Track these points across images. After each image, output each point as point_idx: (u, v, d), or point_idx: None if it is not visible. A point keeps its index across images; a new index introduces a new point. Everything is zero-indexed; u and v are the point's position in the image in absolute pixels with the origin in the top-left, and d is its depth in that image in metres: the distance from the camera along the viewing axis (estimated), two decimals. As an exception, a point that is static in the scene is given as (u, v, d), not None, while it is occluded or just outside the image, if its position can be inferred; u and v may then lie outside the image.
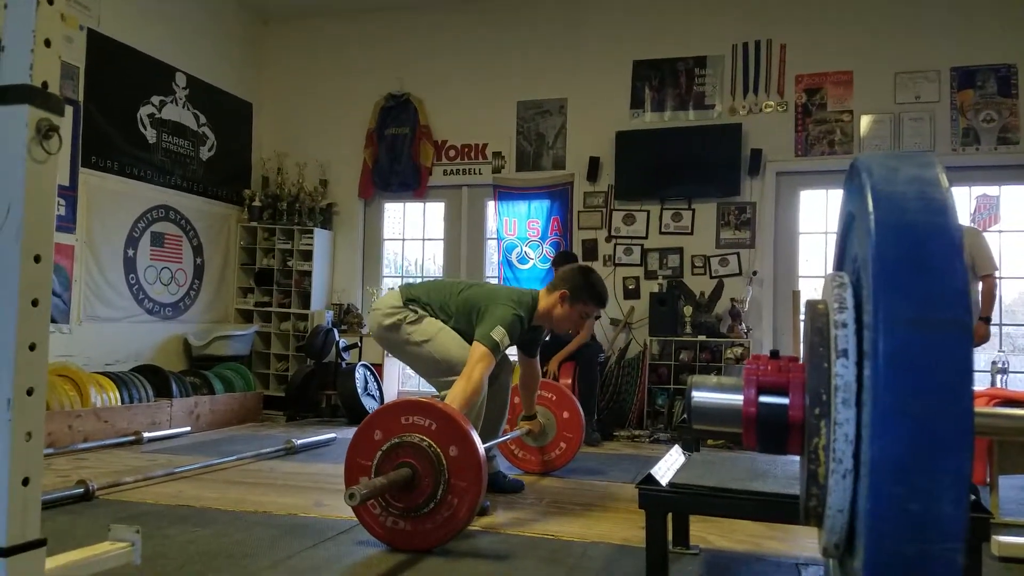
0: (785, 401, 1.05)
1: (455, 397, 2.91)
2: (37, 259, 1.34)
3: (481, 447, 2.54)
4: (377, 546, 2.64)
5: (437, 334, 3.32)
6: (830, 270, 1.22)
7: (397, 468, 2.50)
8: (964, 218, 5.75)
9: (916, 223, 0.85)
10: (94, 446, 4.57)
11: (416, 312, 3.37)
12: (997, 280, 4.84)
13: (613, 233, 6.47)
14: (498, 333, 3.11)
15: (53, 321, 5.23)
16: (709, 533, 2.80)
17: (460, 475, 2.48)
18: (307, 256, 6.95)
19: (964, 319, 0.79)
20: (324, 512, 3.11)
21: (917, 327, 0.80)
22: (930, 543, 0.77)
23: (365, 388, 6.29)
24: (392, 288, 3.61)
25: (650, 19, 6.52)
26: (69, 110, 5.38)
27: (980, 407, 0.97)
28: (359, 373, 6.24)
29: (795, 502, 1.07)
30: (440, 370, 3.31)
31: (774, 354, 1.10)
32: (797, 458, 1.13)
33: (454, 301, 3.38)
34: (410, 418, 2.56)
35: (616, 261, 6.45)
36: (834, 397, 0.90)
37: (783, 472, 2.25)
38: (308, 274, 6.93)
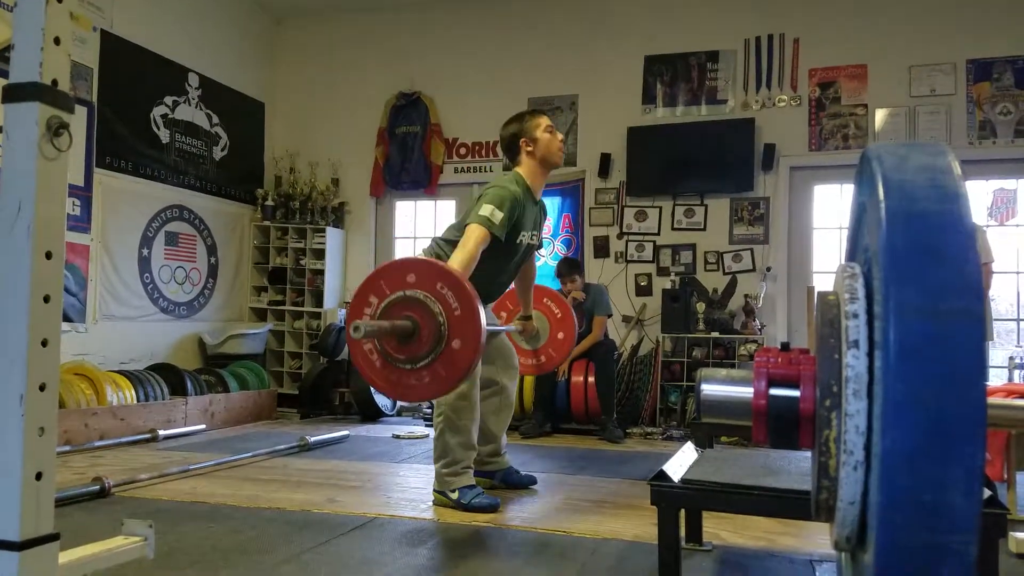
0: (796, 393, 1.04)
1: (453, 264, 2.89)
2: (48, 255, 1.34)
3: (480, 306, 2.50)
4: (391, 543, 2.65)
5: None
6: (842, 263, 1.21)
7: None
8: (981, 212, 5.69)
9: (927, 211, 0.84)
10: (110, 444, 4.60)
11: None
12: (993, 270, 4.84)
13: (625, 230, 6.46)
14: (486, 209, 3.09)
15: (69, 320, 5.28)
16: (722, 529, 2.79)
17: (459, 331, 2.46)
18: (320, 255, 6.97)
19: (976, 308, 0.78)
20: (337, 508, 3.12)
21: (928, 316, 0.79)
22: (942, 534, 0.76)
23: (378, 386, 6.30)
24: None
25: (662, 14, 6.49)
26: (83, 111, 5.42)
27: (994, 398, 0.96)
28: (372, 371, 6.25)
29: (808, 498, 1.07)
30: None
31: (784, 346, 1.09)
32: (810, 454, 1.12)
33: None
34: (412, 275, 2.54)
35: (628, 258, 6.43)
36: (845, 388, 0.89)
37: (796, 468, 2.24)
38: (321, 272, 6.95)
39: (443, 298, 2.47)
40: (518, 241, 3.29)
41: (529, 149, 3.34)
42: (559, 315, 4.01)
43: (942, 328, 0.79)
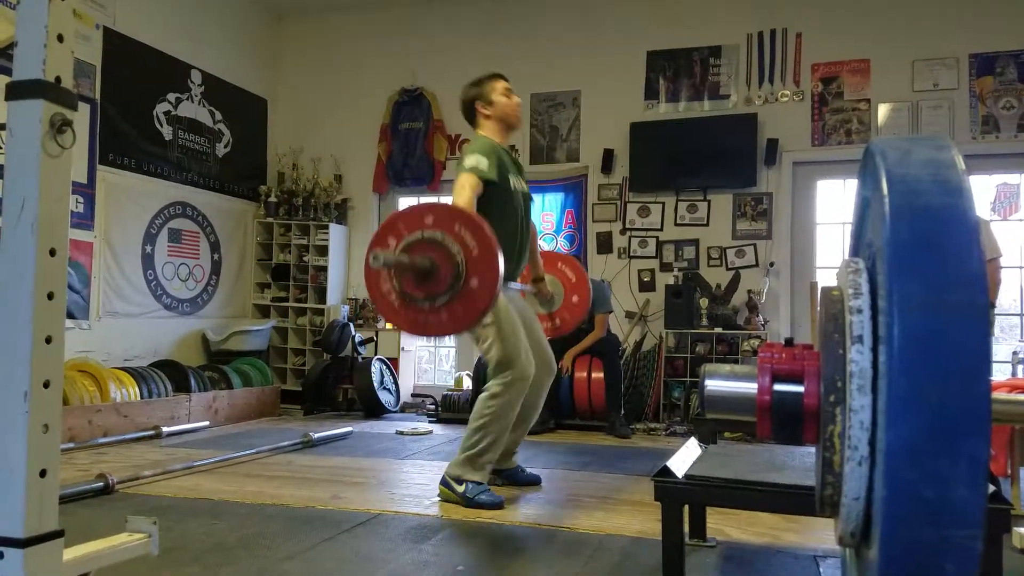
0: (800, 389, 1.04)
1: None
2: (52, 253, 1.34)
3: (499, 248, 2.52)
4: (395, 539, 2.65)
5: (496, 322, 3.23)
6: (845, 258, 1.20)
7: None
8: (984, 207, 5.68)
9: (931, 205, 0.84)
10: (114, 440, 4.61)
11: None
12: (1001, 265, 4.79)
13: (628, 225, 6.45)
14: (470, 160, 3.18)
15: (73, 317, 5.29)
16: (726, 525, 2.79)
17: (477, 270, 2.48)
18: (323, 251, 6.98)
19: (980, 302, 0.78)
20: (341, 504, 3.12)
21: (932, 310, 0.78)
22: (947, 529, 0.76)
23: (381, 382, 6.31)
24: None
25: (664, 9, 6.48)
26: (86, 108, 5.42)
27: (998, 393, 0.95)
28: (375, 367, 6.27)
29: (813, 494, 1.07)
30: (494, 363, 3.24)
31: (788, 342, 1.09)
32: (814, 450, 1.11)
33: None
34: (431, 217, 2.55)
35: (631, 253, 6.43)
36: (849, 384, 0.89)
37: (800, 464, 2.24)
38: (324, 269, 6.96)
39: (460, 238, 2.48)
40: (512, 188, 3.34)
41: (486, 113, 3.45)
42: (573, 280, 4.06)
43: (946, 322, 0.79)
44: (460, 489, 3.15)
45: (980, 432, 0.76)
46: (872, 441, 0.87)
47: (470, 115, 3.51)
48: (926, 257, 0.81)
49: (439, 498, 3.24)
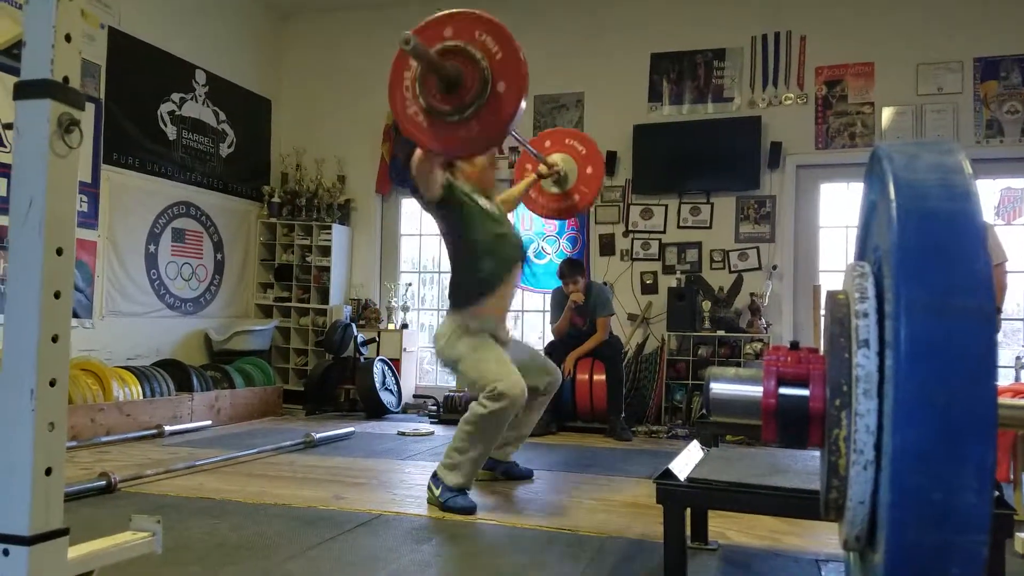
0: (805, 392, 1.04)
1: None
2: (59, 252, 1.35)
3: (521, 48, 2.50)
4: (396, 539, 2.65)
5: (468, 354, 3.26)
6: (851, 262, 1.20)
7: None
8: (988, 211, 5.67)
9: (938, 210, 0.84)
10: (116, 439, 4.61)
11: (462, 327, 3.32)
12: (1007, 270, 4.77)
13: (630, 227, 6.45)
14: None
15: (76, 316, 5.29)
16: (728, 529, 2.79)
17: (503, 73, 2.45)
18: (325, 252, 6.98)
19: (987, 306, 0.78)
20: (343, 505, 3.13)
21: (939, 315, 0.79)
22: (953, 534, 0.76)
23: (383, 382, 6.32)
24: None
25: (668, 11, 6.48)
26: (91, 108, 5.43)
27: (1003, 398, 0.95)
28: (377, 368, 6.27)
29: (815, 497, 1.07)
30: (476, 386, 3.23)
31: (794, 345, 1.09)
32: (817, 454, 1.11)
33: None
34: (449, 29, 2.51)
35: (633, 256, 6.43)
36: (855, 388, 0.89)
37: (802, 467, 2.24)
38: (327, 269, 6.97)
39: (483, 44, 2.45)
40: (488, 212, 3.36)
41: (466, 169, 3.44)
42: (583, 152, 4.06)
43: (953, 327, 0.79)
44: (437, 492, 3.14)
45: (986, 437, 0.76)
46: (878, 445, 0.87)
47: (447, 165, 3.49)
48: (933, 261, 0.81)
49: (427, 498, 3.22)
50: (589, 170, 4.06)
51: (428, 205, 3.24)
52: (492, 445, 3.24)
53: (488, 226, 3.31)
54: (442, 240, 3.49)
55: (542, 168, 3.94)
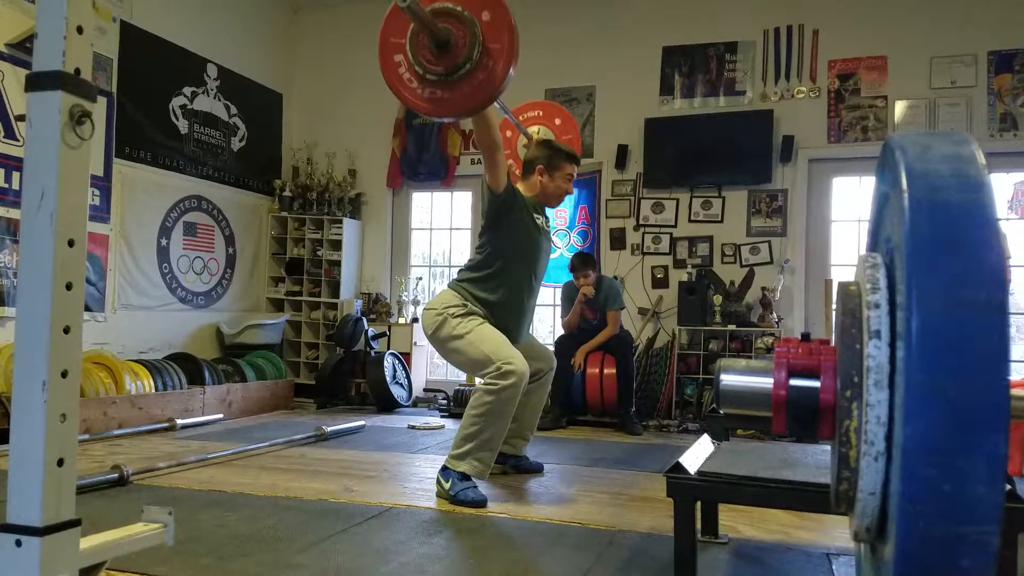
0: (816, 384, 1.03)
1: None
2: (71, 243, 1.35)
3: (508, 8, 2.55)
4: (407, 532, 2.66)
5: (471, 331, 3.24)
6: (863, 253, 1.20)
7: None
8: (1001, 206, 5.63)
9: (951, 201, 0.83)
10: (128, 432, 4.65)
11: (464, 306, 3.32)
12: (1008, 266, 4.72)
13: (641, 221, 6.43)
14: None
15: (89, 309, 5.33)
16: (738, 522, 2.78)
17: (494, 38, 2.48)
18: (336, 246, 7.00)
19: (1000, 298, 0.77)
20: (354, 497, 3.14)
21: (951, 306, 0.78)
22: (963, 525, 0.76)
23: (394, 376, 6.33)
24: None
25: (680, 4, 6.45)
26: (103, 101, 5.45)
27: (1015, 390, 0.95)
28: (388, 361, 6.29)
29: (826, 491, 1.06)
30: (479, 366, 3.22)
31: (805, 337, 1.09)
32: (828, 448, 1.11)
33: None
34: None
35: (644, 250, 6.41)
36: (866, 379, 0.89)
37: (813, 461, 2.23)
38: (338, 263, 6.98)
39: (471, 5, 2.50)
40: (526, 222, 3.40)
41: (541, 180, 3.50)
42: (559, 124, 4.30)
43: (965, 318, 0.78)
44: (447, 485, 3.14)
45: (998, 428, 0.75)
46: (889, 436, 0.87)
47: (527, 169, 3.56)
48: (945, 253, 0.80)
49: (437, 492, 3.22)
50: (557, 121, 4.30)
51: (493, 197, 3.27)
52: (504, 427, 3.19)
53: (522, 250, 3.40)
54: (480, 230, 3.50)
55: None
